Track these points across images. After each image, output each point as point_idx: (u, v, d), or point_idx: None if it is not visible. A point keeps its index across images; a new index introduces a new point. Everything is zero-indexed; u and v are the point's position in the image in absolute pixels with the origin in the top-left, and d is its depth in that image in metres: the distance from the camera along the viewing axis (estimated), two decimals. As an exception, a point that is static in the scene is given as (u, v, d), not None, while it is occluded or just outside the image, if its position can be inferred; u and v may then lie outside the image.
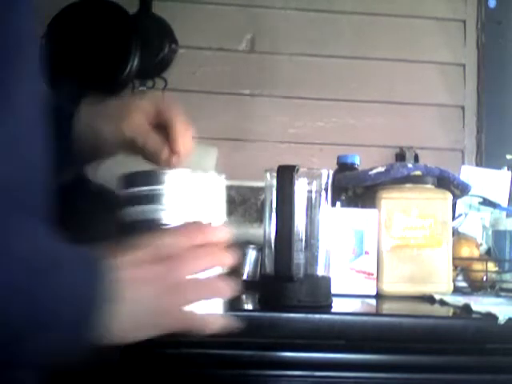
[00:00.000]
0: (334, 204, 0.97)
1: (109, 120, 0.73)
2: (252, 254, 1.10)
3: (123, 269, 0.52)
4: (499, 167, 1.50)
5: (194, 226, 0.60)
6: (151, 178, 0.61)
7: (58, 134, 0.65)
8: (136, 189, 0.61)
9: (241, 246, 1.11)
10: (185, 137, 0.71)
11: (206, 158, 1.56)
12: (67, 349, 0.51)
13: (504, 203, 1.40)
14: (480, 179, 1.43)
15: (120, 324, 0.52)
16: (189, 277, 0.56)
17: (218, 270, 0.60)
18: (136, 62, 1.55)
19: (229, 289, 0.60)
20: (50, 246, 0.50)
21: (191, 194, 0.61)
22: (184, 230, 0.59)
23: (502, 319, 0.80)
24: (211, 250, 0.59)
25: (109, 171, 1.04)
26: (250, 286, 1.06)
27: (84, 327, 0.50)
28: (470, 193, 1.20)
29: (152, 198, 0.60)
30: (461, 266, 1.14)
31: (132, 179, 0.62)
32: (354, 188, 1.18)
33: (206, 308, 0.59)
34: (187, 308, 0.56)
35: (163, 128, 0.71)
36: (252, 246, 1.09)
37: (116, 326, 0.51)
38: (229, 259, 0.60)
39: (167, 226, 0.60)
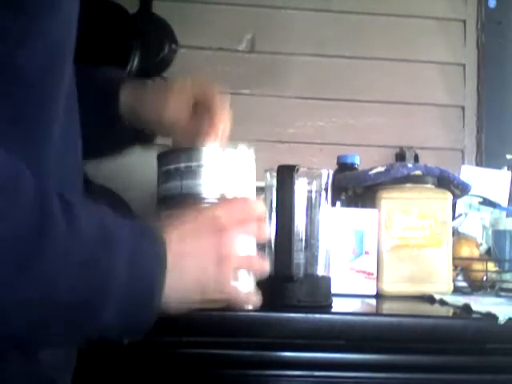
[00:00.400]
0: (334, 204, 0.97)
1: (150, 104, 0.74)
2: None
3: (173, 241, 0.54)
4: (499, 167, 1.50)
5: (236, 201, 0.63)
6: (189, 154, 0.65)
7: (104, 111, 0.66)
8: (174, 165, 0.65)
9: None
10: (224, 122, 0.74)
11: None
12: (134, 319, 0.51)
13: (504, 203, 1.40)
14: (480, 179, 1.43)
15: (169, 295, 0.53)
16: (233, 251, 0.59)
17: (254, 246, 0.64)
18: (136, 62, 1.55)
19: (267, 266, 0.64)
20: (109, 220, 0.51)
21: (226, 168, 0.65)
22: (228, 204, 0.62)
23: (502, 319, 0.79)
24: (253, 225, 0.62)
25: (109, 171, 1.05)
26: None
27: (150, 297, 0.51)
28: (470, 193, 1.20)
29: (190, 174, 0.64)
30: (461, 266, 1.14)
31: (171, 156, 0.66)
32: (354, 188, 1.18)
33: (243, 284, 0.63)
34: (231, 281, 0.59)
35: (204, 111, 0.73)
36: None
37: (166, 297, 0.53)
38: (268, 233, 0.65)
39: (206, 200, 0.64)
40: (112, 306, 0.49)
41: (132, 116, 0.74)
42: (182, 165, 0.65)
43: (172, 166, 0.66)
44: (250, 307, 0.64)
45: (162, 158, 0.68)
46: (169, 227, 0.55)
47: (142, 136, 0.79)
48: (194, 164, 0.64)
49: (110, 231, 0.50)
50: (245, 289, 0.63)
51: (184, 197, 0.64)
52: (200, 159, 0.65)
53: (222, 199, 0.64)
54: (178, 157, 0.66)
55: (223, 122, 0.74)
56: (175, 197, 0.65)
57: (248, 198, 0.65)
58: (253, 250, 0.64)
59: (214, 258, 0.57)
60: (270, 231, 0.65)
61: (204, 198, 0.64)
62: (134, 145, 0.81)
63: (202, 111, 0.75)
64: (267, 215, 0.87)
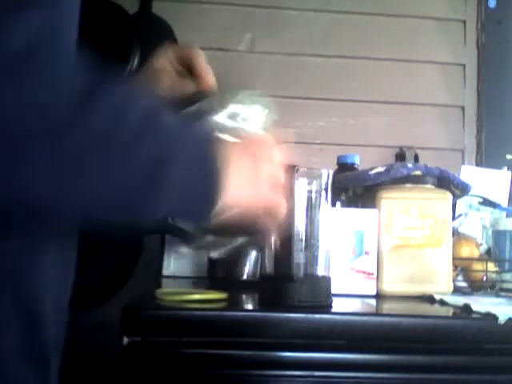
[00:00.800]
0: (334, 204, 0.97)
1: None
2: (252, 254, 1.10)
3: (234, 155, 0.59)
4: (499, 167, 1.50)
5: (265, 137, 0.72)
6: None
7: None
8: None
9: (241, 246, 1.11)
10: (208, 74, 0.84)
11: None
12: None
13: (504, 203, 1.40)
14: (480, 179, 1.43)
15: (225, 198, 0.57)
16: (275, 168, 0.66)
17: None
18: (136, 62, 1.55)
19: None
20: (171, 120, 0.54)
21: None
22: (260, 138, 0.71)
23: (501, 319, 0.80)
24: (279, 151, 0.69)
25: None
26: (250, 285, 1.06)
27: (199, 197, 0.55)
28: (470, 193, 1.20)
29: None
30: (461, 266, 1.14)
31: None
32: (354, 188, 1.18)
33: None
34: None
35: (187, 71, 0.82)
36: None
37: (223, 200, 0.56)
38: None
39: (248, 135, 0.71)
40: (173, 178, 0.51)
41: None
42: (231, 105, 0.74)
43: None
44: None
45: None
46: (231, 145, 0.62)
47: None
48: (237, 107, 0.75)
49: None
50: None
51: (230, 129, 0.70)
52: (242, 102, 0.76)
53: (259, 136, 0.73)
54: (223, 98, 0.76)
55: (208, 76, 0.84)
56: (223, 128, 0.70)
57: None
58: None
59: (260, 176, 0.63)
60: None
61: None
62: None
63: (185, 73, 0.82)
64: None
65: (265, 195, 0.65)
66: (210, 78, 0.82)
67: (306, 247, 0.86)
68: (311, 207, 0.87)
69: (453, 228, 1.11)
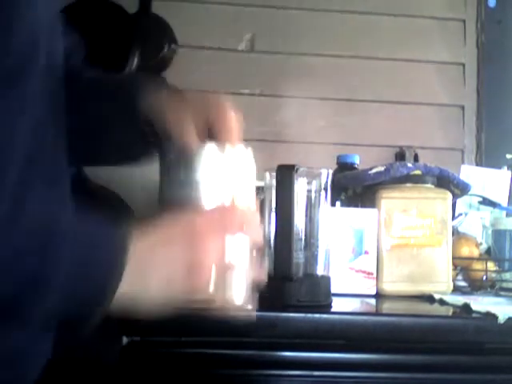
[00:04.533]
0: (333, 204, 0.97)
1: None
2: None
3: (141, 248, 0.53)
4: (499, 167, 1.50)
5: (220, 208, 0.60)
6: (189, 158, 0.63)
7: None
8: (174, 170, 0.64)
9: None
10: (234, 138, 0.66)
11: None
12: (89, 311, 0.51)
13: (504, 203, 1.40)
14: (480, 179, 1.43)
15: (141, 296, 0.53)
16: (209, 258, 0.56)
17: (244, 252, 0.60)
18: (136, 62, 1.55)
19: (262, 272, 0.62)
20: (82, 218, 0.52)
21: (223, 166, 0.63)
22: (210, 211, 0.60)
23: (501, 319, 0.80)
24: (239, 227, 0.59)
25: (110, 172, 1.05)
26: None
27: (106, 294, 0.51)
28: (469, 192, 1.20)
29: (189, 177, 0.62)
30: (461, 266, 1.14)
31: (172, 160, 0.65)
32: (354, 188, 1.18)
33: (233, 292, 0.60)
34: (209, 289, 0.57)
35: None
36: (252, 245, 1.09)
37: (139, 298, 0.53)
38: (258, 233, 0.60)
39: (204, 205, 0.61)
40: (57, 292, 0.49)
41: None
42: (182, 169, 0.63)
43: (172, 170, 0.65)
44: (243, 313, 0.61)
45: (163, 162, 0.67)
46: (141, 233, 0.54)
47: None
48: (192, 167, 0.63)
49: (61, 223, 0.50)
50: (234, 296, 0.59)
51: (182, 201, 0.62)
52: (199, 161, 0.63)
53: (214, 208, 0.61)
54: (177, 161, 0.64)
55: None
56: (174, 200, 0.63)
57: (237, 205, 0.61)
58: (241, 257, 0.60)
59: (185, 266, 0.55)
60: (262, 235, 0.61)
61: (202, 204, 0.62)
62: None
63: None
64: (265, 217, 0.87)
65: (191, 299, 0.57)
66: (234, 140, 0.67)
67: (305, 247, 0.86)
68: (311, 207, 0.87)
69: (452, 227, 1.11)
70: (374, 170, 1.10)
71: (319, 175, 0.88)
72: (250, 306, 0.61)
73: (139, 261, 0.52)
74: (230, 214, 0.60)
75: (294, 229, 0.81)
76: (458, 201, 1.33)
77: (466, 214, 1.30)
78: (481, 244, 1.23)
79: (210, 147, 0.64)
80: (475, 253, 1.16)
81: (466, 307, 0.87)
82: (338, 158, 1.31)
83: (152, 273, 0.54)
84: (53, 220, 0.50)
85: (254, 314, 0.63)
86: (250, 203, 0.63)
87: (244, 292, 0.61)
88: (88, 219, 0.53)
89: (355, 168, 1.29)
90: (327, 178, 0.88)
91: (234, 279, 0.59)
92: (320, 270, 0.87)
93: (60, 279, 0.49)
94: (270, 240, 0.85)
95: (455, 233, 1.19)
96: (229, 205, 0.61)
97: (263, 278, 0.62)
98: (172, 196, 0.64)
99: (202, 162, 0.63)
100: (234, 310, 0.59)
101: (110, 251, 0.52)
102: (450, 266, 1.06)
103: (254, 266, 0.60)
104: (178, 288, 0.55)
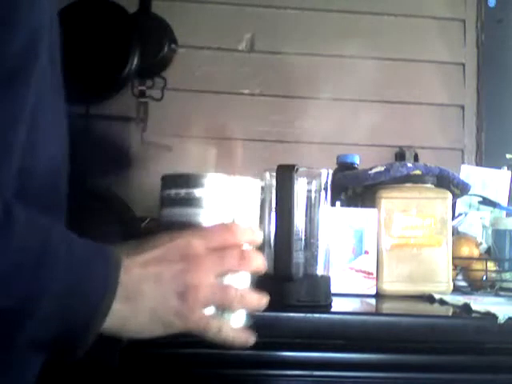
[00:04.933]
0: (333, 203, 0.97)
1: None
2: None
3: (134, 266, 0.51)
4: (499, 166, 1.50)
5: (220, 226, 0.57)
6: (191, 180, 0.61)
7: None
8: (175, 190, 0.61)
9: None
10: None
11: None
12: (70, 339, 0.49)
13: (504, 202, 1.40)
14: (480, 178, 1.43)
15: (123, 321, 0.51)
16: (204, 280, 0.53)
17: (247, 278, 0.58)
18: (136, 62, 1.55)
19: (257, 301, 0.57)
20: (65, 237, 0.50)
21: (229, 198, 0.60)
22: (207, 230, 0.57)
23: (501, 318, 0.80)
24: (239, 252, 0.55)
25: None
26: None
27: (92, 319, 0.49)
28: (469, 192, 1.20)
29: (191, 201, 0.60)
30: (460, 266, 1.14)
31: (172, 181, 0.62)
32: (354, 187, 1.18)
33: (229, 319, 0.57)
34: (204, 311, 0.54)
35: None
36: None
37: (127, 323, 0.51)
38: (258, 262, 0.56)
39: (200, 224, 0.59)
40: (38, 319, 0.47)
41: None
42: (183, 191, 0.60)
43: (173, 191, 0.61)
44: (229, 343, 0.57)
45: (165, 181, 0.64)
46: (135, 252, 0.52)
47: None
48: (195, 191, 0.60)
49: (50, 243, 0.48)
50: (221, 322, 0.56)
51: (183, 224, 0.59)
52: (202, 186, 0.60)
53: (209, 226, 0.58)
54: (180, 181, 0.61)
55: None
56: (174, 224, 0.60)
57: (235, 223, 0.58)
58: (239, 281, 0.57)
59: (178, 288, 0.52)
60: (260, 262, 0.56)
61: (202, 225, 0.59)
62: None
63: None
64: (265, 217, 0.87)
65: (184, 325, 0.54)
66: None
67: (305, 247, 0.86)
68: (311, 207, 0.87)
69: (452, 227, 1.11)
70: (373, 170, 1.10)
71: (319, 175, 0.88)
72: (247, 336, 0.58)
73: (130, 280, 0.50)
74: (231, 235, 0.56)
75: (294, 229, 0.81)
76: (458, 201, 1.33)
77: (465, 214, 1.30)
78: (481, 244, 1.23)
79: (216, 174, 0.62)
80: (475, 253, 1.16)
81: (466, 307, 0.87)
82: (338, 157, 1.31)
83: (142, 294, 0.51)
84: (45, 238, 0.48)
85: (252, 340, 0.59)
86: (251, 226, 0.60)
87: (242, 319, 0.59)
88: (77, 238, 0.51)
89: (355, 168, 1.29)
90: (327, 177, 0.88)
91: (232, 305, 0.57)
92: (320, 270, 0.87)
93: (51, 295, 0.47)
94: (270, 240, 0.85)
95: (455, 233, 1.19)
96: (229, 223, 0.58)
97: (262, 304, 0.58)
98: (172, 214, 0.61)
99: (206, 184, 0.60)
100: (229, 339, 0.56)
101: (101, 269, 0.49)
102: (450, 266, 1.06)
103: (253, 292, 0.58)
104: (169, 312, 0.52)
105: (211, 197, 0.60)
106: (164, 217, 0.62)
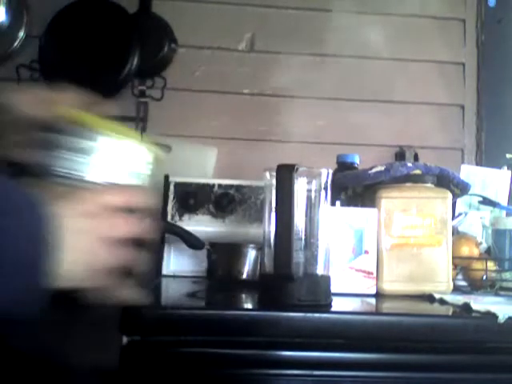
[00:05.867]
0: (333, 203, 0.97)
1: None
2: (251, 254, 1.10)
3: (67, 217, 0.54)
4: (499, 166, 1.50)
5: (123, 188, 0.62)
6: (86, 132, 0.62)
7: None
8: (66, 137, 0.62)
9: (240, 245, 1.11)
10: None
11: (205, 159, 1.56)
12: (17, 293, 0.50)
13: (504, 202, 1.40)
14: (480, 178, 1.43)
15: (63, 269, 0.53)
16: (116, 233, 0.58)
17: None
18: (136, 61, 1.56)
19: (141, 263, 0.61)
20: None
21: (117, 158, 0.63)
22: (115, 190, 0.62)
23: (501, 318, 0.80)
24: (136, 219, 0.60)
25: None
26: (249, 285, 1.06)
27: (35, 270, 0.50)
28: (469, 192, 1.20)
29: (81, 151, 0.61)
30: (460, 265, 1.14)
31: (66, 128, 0.62)
32: (354, 187, 1.18)
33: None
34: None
35: None
36: (251, 245, 1.09)
37: (60, 271, 0.53)
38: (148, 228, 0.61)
39: (88, 182, 0.61)
40: None
41: None
42: (75, 140, 0.62)
43: (65, 137, 0.62)
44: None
45: (57, 126, 0.63)
46: (64, 205, 0.55)
47: None
48: (87, 143, 0.62)
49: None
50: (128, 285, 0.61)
51: (69, 174, 0.61)
52: (95, 140, 0.62)
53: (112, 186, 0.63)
54: (71, 130, 0.62)
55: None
56: (58, 171, 0.61)
57: (135, 188, 0.64)
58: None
59: (101, 237, 0.57)
60: (141, 227, 0.61)
61: (86, 180, 0.62)
62: None
63: None
64: (265, 217, 0.87)
65: (108, 257, 0.58)
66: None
67: (305, 246, 0.86)
68: (311, 206, 0.87)
69: (452, 227, 1.11)
70: (373, 170, 1.10)
71: (319, 175, 0.88)
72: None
73: (64, 228, 0.53)
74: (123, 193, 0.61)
75: (294, 229, 0.81)
76: (458, 200, 1.33)
77: (465, 214, 1.30)
78: (481, 244, 1.23)
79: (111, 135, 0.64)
80: (475, 252, 1.16)
81: (466, 307, 0.87)
82: (338, 157, 1.31)
83: (70, 243, 0.54)
84: None
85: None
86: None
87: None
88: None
89: (355, 168, 1.29)
90: (327, 177, 0.88)
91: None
92: (320, 270, 0.87)
93: None
94: (270, 240, 0.85)
95: (455, 232, 1.19)
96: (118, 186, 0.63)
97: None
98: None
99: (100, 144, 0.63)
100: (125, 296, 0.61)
101: (35, 218, 0.51)
102: (450, 266, 1.06)
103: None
104: (91, 260, 0.56)
105: (102, 153, 0.62)
106: (47, 158, 0.62)
